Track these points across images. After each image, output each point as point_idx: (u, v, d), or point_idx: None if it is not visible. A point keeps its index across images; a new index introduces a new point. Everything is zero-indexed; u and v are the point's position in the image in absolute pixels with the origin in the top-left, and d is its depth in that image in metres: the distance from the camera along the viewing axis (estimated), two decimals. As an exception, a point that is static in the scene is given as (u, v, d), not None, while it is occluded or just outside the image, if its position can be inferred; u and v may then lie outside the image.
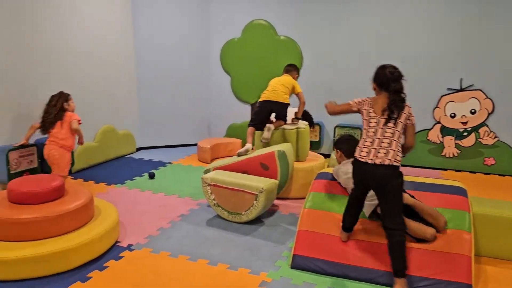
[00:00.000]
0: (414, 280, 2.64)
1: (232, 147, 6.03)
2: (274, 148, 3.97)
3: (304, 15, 6.00)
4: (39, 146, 4.48)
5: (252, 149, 4.39)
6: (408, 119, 2.67)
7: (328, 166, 4.58)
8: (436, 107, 5.57)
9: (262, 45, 6.27)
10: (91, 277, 2.77)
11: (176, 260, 3.04)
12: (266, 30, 6.22)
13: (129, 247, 3.22)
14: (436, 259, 2.73)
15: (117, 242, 3.28)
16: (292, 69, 4.75)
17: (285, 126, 4.42)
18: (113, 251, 3.15)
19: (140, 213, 3.92)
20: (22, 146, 4.25)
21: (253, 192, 3.57)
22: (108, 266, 2.91)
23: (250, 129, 4.51)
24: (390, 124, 2.62)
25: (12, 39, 4.32)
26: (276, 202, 4.19)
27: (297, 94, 4.64)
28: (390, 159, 2.54)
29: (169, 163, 5.71)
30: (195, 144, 6.53)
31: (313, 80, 6.10)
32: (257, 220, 3.74)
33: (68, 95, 4.16)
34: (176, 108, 6.53)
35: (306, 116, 5.10)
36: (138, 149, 6.38)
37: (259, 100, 4.62)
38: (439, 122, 5.61)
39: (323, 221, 3.06)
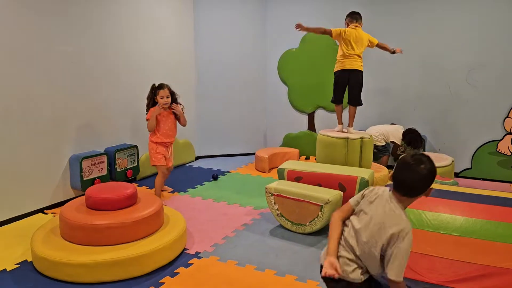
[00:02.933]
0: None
1: (289, 157, 6.03)
2: (358, 173, 3.83)
3: (365, 22, 5.90)
4: (109, 154, 4.70)
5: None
6: None
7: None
8: (507, 116, 5.27)
9: (321, 54, 6.24)
10: (163, 283, 2.85)
11: (244, 269, 3.06)
12: (325, 39, 6.16)
13: (197, 255, 3.28)
14: (503, 278, 2.56)
15: (185, 249, 3.36)
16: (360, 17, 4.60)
17: (349, 135, 4.34)
18: (182, 258, 3.22)
19: (204, 221, 4.00)
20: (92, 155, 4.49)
21: (318, 203, 3.54)
22: (179, 273, 2.99)
23: (337, 108, 4.57)
24: None
25: (83, 51, 4.58)
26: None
27: (377, 45, 4.56)
28: None
29: (228, 172, 5.79)
30: (252, 154, 6.59)
31: (373, 88, 5.98)
32: (321, 232, 3.69)
33: (159, 87, 4.34)
34: (233, 118, 6.63)
35: (414, 137, 5.15)
36: (197, 158, 6.52)
37: (336, 69, 4.61)
38: (510, 133, 5.30)
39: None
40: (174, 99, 4.40)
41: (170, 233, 3.17)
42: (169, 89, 4.33)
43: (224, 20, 6.35)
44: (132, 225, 2.97)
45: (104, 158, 4.64)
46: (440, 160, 4.76)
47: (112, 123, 4.97)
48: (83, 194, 3.34)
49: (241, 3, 6.41)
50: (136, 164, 5.10)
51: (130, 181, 5.08)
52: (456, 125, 5.54)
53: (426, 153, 5.03)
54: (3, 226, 3.83)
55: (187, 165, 6.20)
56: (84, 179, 4.41)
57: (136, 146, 5.08)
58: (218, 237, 3.61)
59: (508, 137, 5.32)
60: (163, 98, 4.27)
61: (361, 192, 2.12)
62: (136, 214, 3.05)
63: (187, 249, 3.37)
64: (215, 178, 5.37)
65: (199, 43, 6.30)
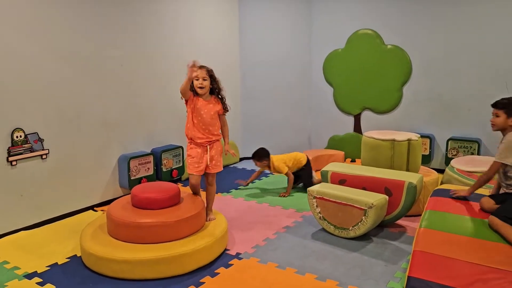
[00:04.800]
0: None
1: (335, 159, 5.92)
2: (406, 178, 3.67)
3: (414, 22, 5.70)
4: (155, 154, 4.83)
5: None
6: None
7: (441, 183, 4.26)
8: None
9: (368, 55, 6.08)
10: (203, 283, 2.87)
11: (284, 272, 3.03)
12: (372, 40, 6.03)
13: (238, 256, 3.29)
14: None
15: (226, 250, 3.38)
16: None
17: (395, 137, 4.19)
18: (223, 258, 3.24)
19: (246, 222, 4.00)
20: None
21: (361, 207, 3.44)
22: (219, 273, 3.00)
23: None
24: None
25: (131, 55, 4.74)
26: (384, 218, 3.99)
27: None
28: None
29: (271, 173, 5.77)
30: (296, 156, 6.53)
31: (423, 89, 5.75)
32: (365, 237, 3.59)
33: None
34: (277, 119, 6.61)
35: None
36: (241, 159, 6.56)
37: None
38: None
39: (441, 242, 2.82)
40: (214, 88, 3.57)
41: (211, 233, 3.20)
42: (209, 72, 3.51)
43: (269, 20, 6.34)
44: (174, 224, 3.03)
45: (151, 158, 4.78)
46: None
47: (159, 124, 5.11)
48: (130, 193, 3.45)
49: (286, 2, 6.38)
50: (181, 164, 5.20)
51: (175, 181, 5.19)
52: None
53: (479, 157, 4.76)
54: (56, 222, 4.03)
55: (231, 166, 6.25)
56: (132, 178, 4.56)
57: (181, 147, 5.18)
58: (259, 239, 3.60)
59: None
60: (198, 80, 3.42)
61: None
62: (179, 213, 3.11)
63: (228, 250, 3.38)
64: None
65: (244, 44, 6.33)
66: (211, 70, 3.53)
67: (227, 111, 3.71)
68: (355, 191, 3.67)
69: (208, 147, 3.52)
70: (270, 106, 6.55)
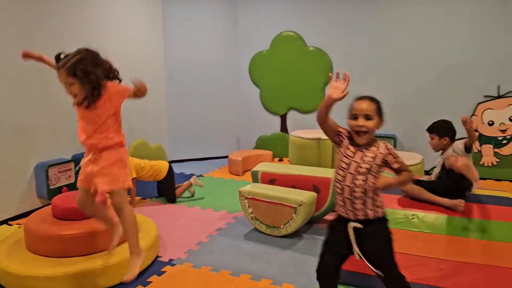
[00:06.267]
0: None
1: (263, 159, 6.00)
2: (332, 175, 3.84)
3: (334, 25, 5.97)
4: (76, 161, 4.55)
5: None
6: None
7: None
8: (473, 115, 5.43)
9: (291, 56, 6.26)
10: (135, 293, 2.76)
11: (219, 275, 3.01)
12: (295, 42, 6.21)
13: (170, 262, 3.20)
14: (492, 275, 2.61)
15: (158, 257, 3.28)
16: None
17: (320, 136, 4.35)
18: (155, 266, 3.14)
19: (177, 227, 3.92)
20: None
21: (292, 206, 3.52)
22: (151, 282, 2.91)
23: None
24: None
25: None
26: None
27: None
28: None
29: (201, 175, 5.71)
30: (225, 157, 6.54)
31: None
32: (296, 234, 3.68)
33: None
34: (205, 120, 6.57)
35: None
36: (169, 162, 6.39)
37: None
38: (476, 130, 5.46)
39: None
40: (92, 81, 2.30)
41: (141, 241, 3.06)
42: (71, 68, 2.26)
43: (194, 21, 6.28)
44: (101, 235, 2.87)
45: (72, 165, 4.50)
46: (410, 158, 4.83)
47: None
48: (50, 204, 3.21)
49: (210, 4, 6.35)
50: (105, 170, 4.95)
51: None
52: (427, 124, 5.63)
53: (398, 151, 5.11)
54: (-36, 240, 3.63)
55: (159, 170, 6.07)
56: (51, 187, 4.26)
57: (105, 152, 4.93)
58: (192, 243, 3.54)
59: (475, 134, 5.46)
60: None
61: None
62: (106, 222, 2.95)
63: (160, 257, 3.28)
64: None
65: (169, 44, 6.20)
66: (77, 62, 2.27)
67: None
68: (285, 190, 3.75)
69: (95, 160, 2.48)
70: (198, 107, 6.49)
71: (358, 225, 2.08)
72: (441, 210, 2.96)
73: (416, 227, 2.92)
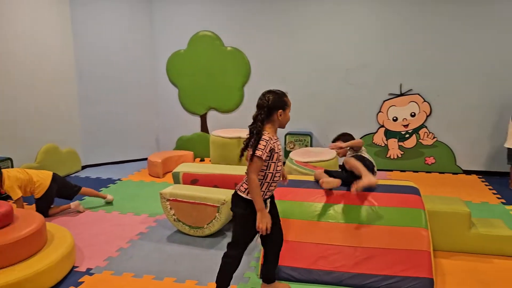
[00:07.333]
0: (379, 279, 2.75)
1: (184, 160, 5.93)
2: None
3: (249, 25, 6.07)
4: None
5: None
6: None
7: (283, 174, 4.64)
8: (380, 111, 5.86)
9: (209, 56, 6.25)
10: (50, 308, 2.59)
11: (141, 280, 2.93)
12: (213, 41, 6.22)
13: (88, 272, 3.05)
14: (398, 257, 2.85)
15: (74, 267, 3.10)
16: None
17: (240, 135, 4.41)
18: (71, 277, 2.97)
19: (95, 234, 3.73)
20: None
21: (214, 205, 3.53)
22: (68, 294, 2.75)
23: None
24: None
25: None
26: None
27: None
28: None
29: (119, 180, 5.50)
30: (144, 159, 6.36)
31: (261, 89, 6.15)
32: (219, 233, 3.70)
33: None
34: (122, 122, 6.32)
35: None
36: (84, 167, 6.08)
37: None
38: (383, 126, 5.90)
39: (288, 229, 3.09)
40: None
41: (54, 252, 2.89)
42: None
43: (105, 21, 6.00)
44: (9, 247, 2.64)
45: (-30, 174, 4.06)
46: (326, 154, 5.08)
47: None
48: None
49: (122, 3, 6.11)
50: (11, 178, 4.55)
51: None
52: (339, 121, 5.97)
53: (311, 148, 5.34)
54: None
55: (73, 175, 5.74)
56: None
57: (10, 159, 4.55)
58: (111, 250, 3.40)
59: (381, 129, 5.91)
60: None
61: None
62: (12, 234, 2.73)
63: (77, 267, 3.11)
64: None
65: (79, 44, 5.85)
66: None
67: None
68: (207, 189, 3.75)
69: None
70: (114, 109, 6.22)
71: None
72: (353, 201, 3.15)
73: (332, 218, 3.09)
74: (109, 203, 4.54)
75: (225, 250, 2.56)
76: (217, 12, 6.15)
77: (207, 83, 6.33)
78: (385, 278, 2.77)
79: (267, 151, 2.36)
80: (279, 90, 2.53)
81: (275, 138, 2.44)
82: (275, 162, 2.44)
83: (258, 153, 2.34)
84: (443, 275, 2.96)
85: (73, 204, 4.28)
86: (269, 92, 2.50)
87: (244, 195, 2.44)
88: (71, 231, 3.47)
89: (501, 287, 2.83)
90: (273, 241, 2.64)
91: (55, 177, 4.22)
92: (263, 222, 2.36)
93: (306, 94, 6.03)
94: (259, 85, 6.18)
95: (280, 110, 2.47)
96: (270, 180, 2.45)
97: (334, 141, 3.51)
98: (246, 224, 2.46)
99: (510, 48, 5.33)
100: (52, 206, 4.19)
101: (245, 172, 2.45)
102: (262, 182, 2.43)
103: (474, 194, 4.80)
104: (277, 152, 2.43)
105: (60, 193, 4.26)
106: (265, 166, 2.40)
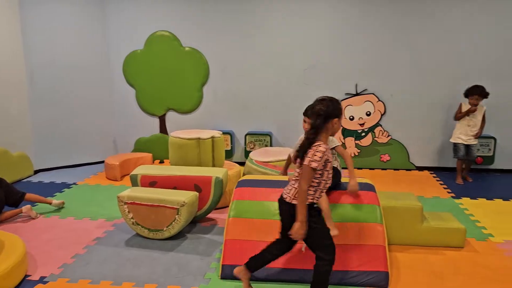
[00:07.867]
0: (337, 275, 2.81)
1: (143, 162, 5.82)
2: (213, 173, 3.89)
3: (208, 25, 6.04)
4: None
5: None
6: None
7: (243, 174, 4.65)
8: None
9: (167, 56, 6.16)
10: (0, 320, 2.47)
11: (98, 286, 2.85)
12: (170, 42, 6.13)
13: (42, 280, 2.94)
14: (355, 253, 2.93)
15: (26, 276, 2.97)
16: None
17: (200, 136, 4.38)
18: (23, 286, 2.85)
19: (49, 241, 3.60)
20: None
21: (174, 207, 3.49)
22: (20, 304, 2.63)
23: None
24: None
25: None
26: (196, 214, 4.15)
27: None
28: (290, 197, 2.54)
29: (74, 184, 5.32)
30: (101, 162, 6.18)
31: (220, 89, 6.17)
32: (179, 235, 3.66)
33: None
34: (77, 124, 6.11)
35: None
36: (36, 172, 5.83)
37: None
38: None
39: (249, 229, 3.10)
40: None
41: (4, 261, 2.76)
42: None
43: (56, 21, 5.77)
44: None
45: None
46: (285, 154, 5.14)
47: None
48: None
49: (74, 4, 5.90)
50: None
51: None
52: (299, 121, 6.05)
53: (271, 148, 5.39)
54: None
55: (24, 181, 5.49)
56: None
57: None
58: (66, 257, 3.29)
59: (339, 128, 6.04)
60: None
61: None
62: (-42, 244, 2.58)
63: (29, 275, 2.99)
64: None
65: (29, 45, 5.60)
66: None
67: None
68: (166, 191, 3.70)
69: None
70: (68, 111, 6.01)
71: None
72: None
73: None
74: (60, 208, 4.38)
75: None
76: (175, 12, 6.07)
77: (166, 83, 6.24)
78: (342, 273, 2.84)
79: (323, 162, 2.38)
80: (334, 98, 2.51)
81: (327, 146, 2.44)
82: (328, 170, 2.46)
83: (313, 165, 2.35)
84: (398, 268, 3.07)
85: (24, 208, 4.10)
86: (327, 99, 2.47)
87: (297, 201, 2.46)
88: (23, 237, 3.32)
89: (452, 277, 2.97)
90: (290, 243, 2.68)
91: (1, 182, 4.03)
92: (299, 233, 2.41)
93: (265, 94, 6.08)
94: (217, 85, 6.18)
95: (336, 119, 2.45)
96: (322, 187, 2.49)
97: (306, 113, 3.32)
98: (320, 227, 2.55)
99: (456, 48, 5.59)
100: (1, 212, 4.00)
101: (293, 178, 2.53)
102: (316, 189, 2.46)
103: (426, 189, 5.01)
104: (330, 162, 2.46)
105: (5, 199, 4.07)
106: (319, 174, 2.43)
